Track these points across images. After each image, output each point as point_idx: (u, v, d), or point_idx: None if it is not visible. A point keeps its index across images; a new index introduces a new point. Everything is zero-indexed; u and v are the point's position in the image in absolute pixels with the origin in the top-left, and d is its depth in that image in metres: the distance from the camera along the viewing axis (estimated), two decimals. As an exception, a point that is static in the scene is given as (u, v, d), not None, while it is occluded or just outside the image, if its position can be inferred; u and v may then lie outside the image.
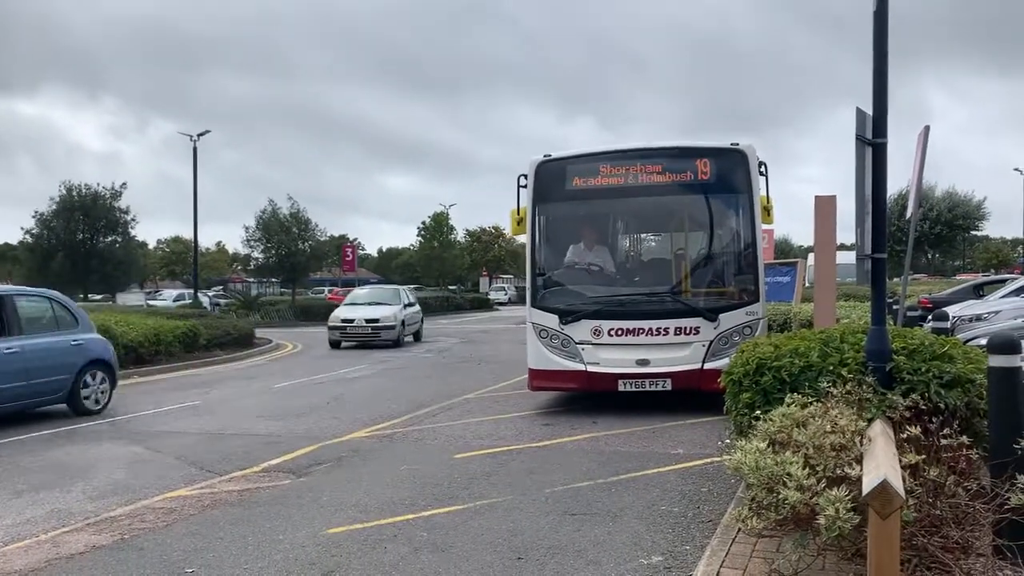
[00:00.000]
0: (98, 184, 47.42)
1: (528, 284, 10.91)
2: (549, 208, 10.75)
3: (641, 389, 10.05)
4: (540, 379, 10.68)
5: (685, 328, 9.95)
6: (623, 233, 12.26)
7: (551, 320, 10.35)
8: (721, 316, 9.94)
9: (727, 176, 10.26)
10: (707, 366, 9.60)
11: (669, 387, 9.92)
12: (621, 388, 10.06)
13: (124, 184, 48.66)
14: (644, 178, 10.41)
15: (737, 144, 10.18)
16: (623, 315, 10.16)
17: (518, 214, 10.70)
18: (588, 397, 11.26)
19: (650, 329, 10.00)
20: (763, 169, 10.27)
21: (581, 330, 10.18)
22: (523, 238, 11.10)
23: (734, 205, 10.44)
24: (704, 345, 9.86)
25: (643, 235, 12.70)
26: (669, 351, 9.93)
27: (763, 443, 4.24)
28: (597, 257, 11.07)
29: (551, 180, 10.59)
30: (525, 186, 10.62)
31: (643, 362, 9.95)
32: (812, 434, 4.19)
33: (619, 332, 10.07)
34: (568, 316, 10.25)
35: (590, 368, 10.11)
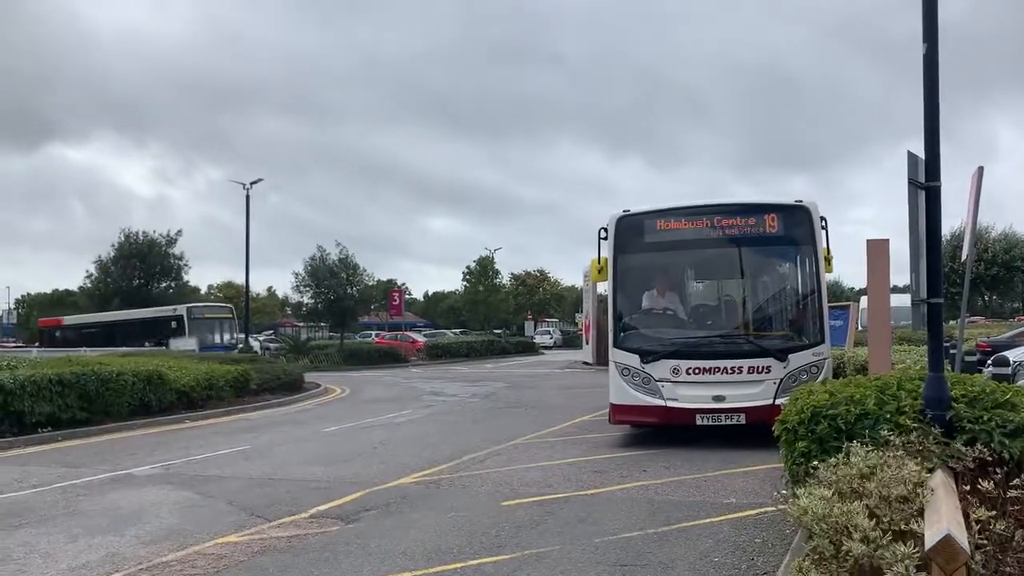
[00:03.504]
0: (154, 231, 48.94)
1: (611, 327, 11.58)
2: (629, 258, 11.56)
3: (717, 423, 10.68)
4: (621, 413, 11.38)
5: (758, 367, 10.68)
6: (698, 280, 13.05)
7: (633, 359, 11.11)
8: (790, 356, 10.67)
9: (793, 230, 11.15)
10: (778, 402, 9.93)
11: (743, 421, 10.53)
12: (699, 422, 10.73)
13: (179, 231, 50.16)
14: (717, 231, 11.34)
15: (801, 201, 11.12)
16: (701, 355, 10.90)
17: (599, 263, 11.64)
18: (639, 442, 11.45)
19: (725, 368, 10.73)
20: (824, 223, 11.05)
21: (661, 369, 10.92)
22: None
23: (799, 256, 11.32)
24: (775, 383, 10.56)
25: (716, 282, 13.18)
26: (743, 388, 10.66)
27: (828, 491, 4.13)
28: (671, 302, 11.81)
29: (630, 233, 11.50)
30: (605, 238, 11.51)
31: (719, 398, 10.68)
32: (879, 484, 4.07)
33: (697, 371, 10.81)
34: (649, 356, 11.02)
35: (669, 403, 10.83)
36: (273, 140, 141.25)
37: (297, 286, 44.95)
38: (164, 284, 49.86)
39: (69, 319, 47.13)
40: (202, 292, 79.75)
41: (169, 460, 11.20)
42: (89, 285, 50.46)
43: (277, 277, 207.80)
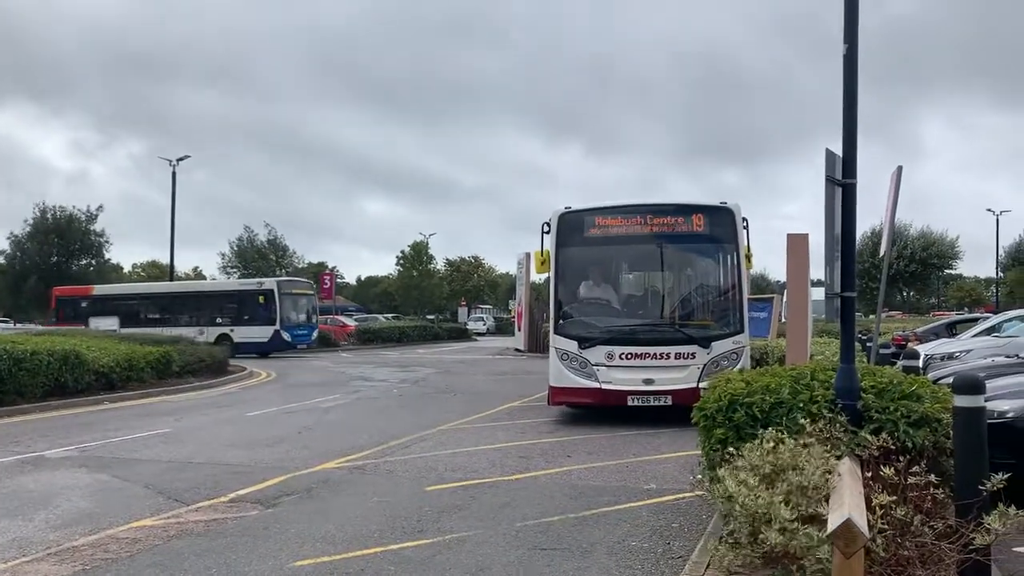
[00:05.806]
0: (73, 207, 47.25)
1: (551, 315, 12.47)
2: (568, 251, 12.32)
3: (647, 404, 11.56)
4: (560, 395, 12.23)
5: (684, 353, 11.59)
6: (630, 273, 13.96)
7: (571, 345, 11.92)
8: (713, 344, 11.63)
9: (717, 229, 12.06)
10: (701, 385, 10.60)
11: (670, 403, 11.35)
12: (630, 403, 11.59)
13: (100, 207, 48.62)
14: (649, 228, 12.26)
15: (726, 203, 12.10)
16: (633, 342, 11.77)
17: (542, 255, 12.31)
18: (566, 428, 11.66)
19: (655, 354, 11.63)
20: (746, 223, 11.98)
21: (597, 354, 11.73)
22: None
23: (722, 253, 12.24)
24: (699, 368, 11.46)
25: (647, 275, 13.95)
26: (670, 372, 11.54)
27: (754, 479, 4.24)
28: (606, 293, 12.66)
29: (570, 228, 12.30)
30: (548, 232, 12.23)
31: (649, 381, 11.55)
32: (798, 474, 4.20)
33: (629, 356, 11.67)
34: (586, 342, 11.84)
35: (604, 386, 11.65)
36: (201, 115, 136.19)
37: (224, 267, 44.17)
38: (84, 262, 48.23)
39: (101, 288, 37.48)
40: (125, 271, 77.43)
41: (85, 442, 10.87)
42: (3, 261, 48.44)
43: (204, 258, 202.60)
